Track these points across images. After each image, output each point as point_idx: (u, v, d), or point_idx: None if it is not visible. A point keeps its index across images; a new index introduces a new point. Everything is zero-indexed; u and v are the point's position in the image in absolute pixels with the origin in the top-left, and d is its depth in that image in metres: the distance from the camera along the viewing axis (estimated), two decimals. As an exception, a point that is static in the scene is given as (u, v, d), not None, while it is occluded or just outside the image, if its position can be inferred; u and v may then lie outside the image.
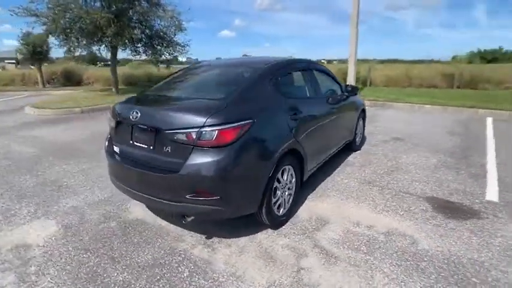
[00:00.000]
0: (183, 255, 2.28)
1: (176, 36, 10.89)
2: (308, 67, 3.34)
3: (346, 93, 3.91)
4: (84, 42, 9.59)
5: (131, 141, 2.40)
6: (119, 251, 2.35)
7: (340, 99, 3.76)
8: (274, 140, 2.34)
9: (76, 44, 9.52)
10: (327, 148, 3.49)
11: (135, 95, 2.96)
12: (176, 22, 10.25)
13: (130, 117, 2.31)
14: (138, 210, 2.95)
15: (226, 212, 2.17)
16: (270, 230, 2.60)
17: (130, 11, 9.44)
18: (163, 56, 10.91)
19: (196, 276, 2.06)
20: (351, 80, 10.12)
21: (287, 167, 2.58)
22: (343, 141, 4.08)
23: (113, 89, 11.31)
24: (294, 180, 2.74)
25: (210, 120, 2.02)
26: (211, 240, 2.48)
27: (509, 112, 7.32)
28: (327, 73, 3.78)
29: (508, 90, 12.47)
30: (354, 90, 3.95)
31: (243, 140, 2.09)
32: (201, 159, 2.03)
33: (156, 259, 2.24)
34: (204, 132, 2.00)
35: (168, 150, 2.16)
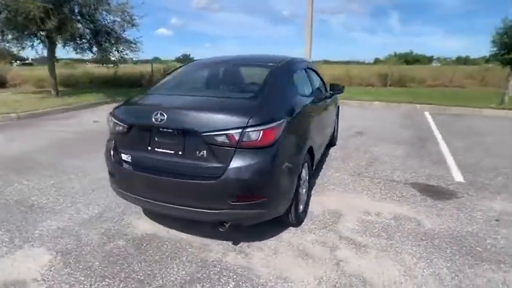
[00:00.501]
0: (218, 266, 2.16)
1: (126, 32, 9.96)
2: (307, 66, 3.46)
3: (331, 91, 4.14)
4: (10, 36, 8.10)
5: (149, 148, 2.18)
6: (143, 271, 2.10)
7: (328, 96, 3.98)
8: (302, 137, 2.38)
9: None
10: (322, 143, 3.66)
11: (134, 97, 2.65)
12: (127, 17, 9.36)
13: (153, 120, 2.08)
14: (143, 224, 2.68)
15: (270, 213, 2.13)
16: (292, 229, 2.62)
17: (72, 2, 8.25)
18: (111, 55, 9.84)
19: (244, 285, 1.98)
20: None
21: (305, 164, 2.64)
22: (329, 136, 4.32)
23: (52, 91, 9.81)
24: (307, 176, 2.82)
25: (253, 120, 1.95)
26: (239, 246, 2.39)
27: (438, 106, 8.61)
28: (316, 72, 3.95)
29: (431, 88, 14.63)
30: (340, 89, 4.21)
31: (281, 139, 2.07)
32: (246, 162, 1.95)
33: (192, 274, 2.07)
34: (248, 132, 1.92)
35: (203, 155, 2.01)
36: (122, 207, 2.97)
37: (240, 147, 1.94)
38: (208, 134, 1.97)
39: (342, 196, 3.26)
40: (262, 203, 2.02)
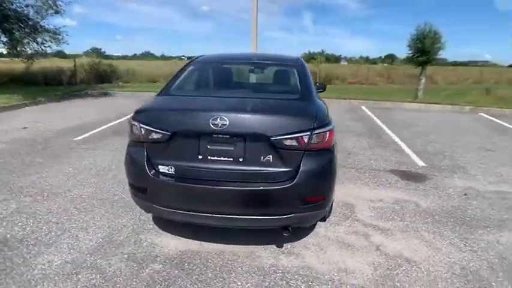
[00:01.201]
0: (279, 271, 2.12)
1: (46, 20, 8.26)
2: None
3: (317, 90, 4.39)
4: None
5: (200, 156, 1.99)
6: (202, 292, 1.92)
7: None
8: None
9: None
10: None
11: (157, 99, 2.34)
12: (50, 1, 7.78)
13: (211, 125, 1.90)
14: (168, 241, 2.42)
15: (325, 212, 2.18)
16: (321, 224, 2.73)
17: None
18: (27, 47, 8.06)
19: (314, 283, 2.00)
20: None
21: None
22: None
23: None
24: None
25: (318, 122, 1.97)
26: (284, 248, 2.39)
27: (372, 101, 9.90)
28: None
29: (352, 85, 16.56)
30: (323, 87, 4.46)
31: (334, 140, 2.15)
32: (315, 164, 1.97)
33: (259, 285, 1.99)
34: (315, 135, 1.93)
35: (268, 160, 1.94)
36: (130, 226, 2.61)
37: (308, 149, 1.94)
38: (278, 138, 1.90)
39: (342, 188, 3.53)
40: (323, 202, 2.07)
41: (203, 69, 2.93)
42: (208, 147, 1.98)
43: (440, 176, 3.93)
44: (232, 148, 1.96)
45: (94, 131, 5.64)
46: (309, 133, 1.92)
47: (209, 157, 1.98)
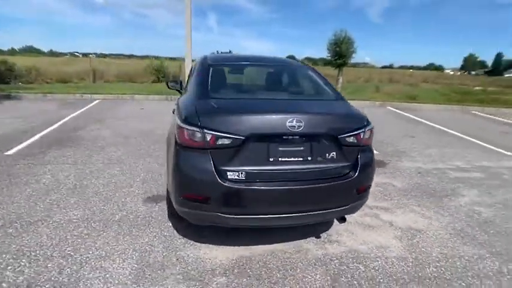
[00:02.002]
0: (334, 259, 2.29)
1: None
2: None
3: None
4: None
5: (271, 159, 1.97)
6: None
7: None
8: None
9: None
10: None
11: (211, 103, 2.13)
12: None
13: (288, 127, 1.92)
14: (213, 252, 2.29)
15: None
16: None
17: None
18: None
19: (368, 262, 2.26)
20: (185, 74, 10.32)
21: None
22: None
23: None
24: None
25: (366, 121, 2.21)
26: (323, 238, 2.56)
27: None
28: None
29: None
30: None
31: None
32: (367, 157, 2.21)
33: (327, 273, 2.12)
34: (366, 131, 2.16)
35: (333, 156, 2.07)
36: (159, 245, 2.34)
37: (362, 145, 2.17)
38: (343, 136, 2.07)
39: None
40: (368, 191, 2.34)
41: (222, 71, 2.83)
42: (280, 149, 1.99)
43: (393, 161, 4.76)
44: (302, 148, 2.03)
45: (26, 143, 4.55)
46: (363, 130, 2.15)
47: (280, 159, 1.99)
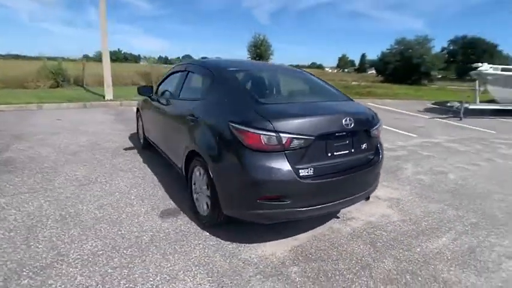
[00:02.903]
0: (363, 231, 2.74)
1: None
2: None
3: None
4: None
5: (329, 154, 2.26)
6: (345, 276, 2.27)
7: None
8: None
9: None
10: None
11: (271, 108, 2.35)
12: None
13: (344, 125, 2.26)
14: (267, 249, 2.43)
15: None
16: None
17: None
18: None
19: (386, 227, 2.81)
20: (107, 78, 9.10)
21: None
22: None
23: None
24: None
25: (379, 117, 2.72)
26: (341, 218, 2.99)
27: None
28: None
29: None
30: None
31: None
32: (381, 145, 2.73)
33: (369, 242, 2.55)
34: (381, 125, 2.69)
35: (365, 147, 2.50)
36: (218, 255, 2.31)
37: (378, 136, 2.68)
38: (372, 130, 2.53)
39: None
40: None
41: (248, 77, 2.90)
42: (334, 144, 2.29)
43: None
44: (347, 142, 2.38)
45: None
46: (380, 123, 2.68)
47: (334, 153, 2.30)
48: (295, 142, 2.11)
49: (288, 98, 3.06)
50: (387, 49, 38.60)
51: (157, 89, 4.06)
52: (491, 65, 10.48)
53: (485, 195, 3.67)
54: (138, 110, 4.95)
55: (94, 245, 2.34)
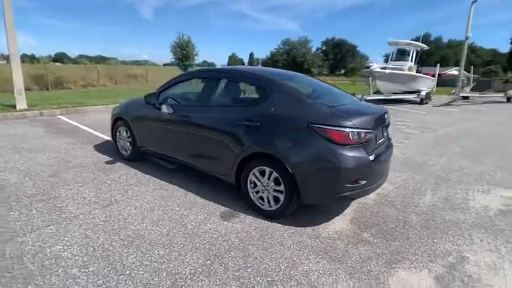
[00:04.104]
0: (385, 203, 3.54)
1: None
2: None
3: None
4: None
5: (376, 142, 2.91)
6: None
7: None
8: None
9: None
10: None
11: (337, 110, 2.83)
12: None
13: (386, 120, 3.00)
14: (330, 225, 2.92)
15: None
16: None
17: None
18: None
19: (396, 200, 3.70)
20: (18, 82, 7.12)
21: None
22: None
23: None
24: None
25: None
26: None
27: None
28: None
29: (90, 88, 15.39)
30: None
31: None
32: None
33: (397, 208, 3.35)
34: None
35: (386, 135, 3.25)
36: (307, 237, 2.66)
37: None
38: (389, 121, 3.29)
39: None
40: None
41: (295, 84, 3.21)
42: (378, 135, 2.95)
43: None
44: (382, 133, 3.09)
45: None
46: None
47: (378, 141, 2.95)
48: (368, 135, 2.70)
49: (333, 101, 3.24)
50: (275, 49, 42.99)
51: (162, 97, 3.83)
52: (378, 65, 13.55)
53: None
54: (117, 119, 4.43)
55: (195, 258, 2.33)
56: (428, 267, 2.35)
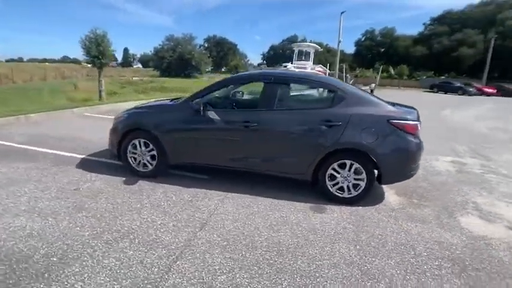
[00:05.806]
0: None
1: None
2: None
3: None
4: None
5: None
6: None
7: None
8: None
9: None
10: None
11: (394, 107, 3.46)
12: None
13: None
14: (389, 196, 3.64)
15: None
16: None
17: None
18: None
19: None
20: None
21: None
22: None
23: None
24: None
25: None
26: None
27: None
28: None
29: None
30: None
31: None
32: None
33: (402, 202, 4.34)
34: None
35: None
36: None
37: None
38: None
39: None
40: None
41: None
42: None
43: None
44: None
45: None
46: None
47: None
48: (420, 126, 3.47)
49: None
50: (159, 45, 40.80)
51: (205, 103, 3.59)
52: (292, 64, 15.25)
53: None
54: (129, 131, 3.79)
55: (345, 250, 2.57)
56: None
